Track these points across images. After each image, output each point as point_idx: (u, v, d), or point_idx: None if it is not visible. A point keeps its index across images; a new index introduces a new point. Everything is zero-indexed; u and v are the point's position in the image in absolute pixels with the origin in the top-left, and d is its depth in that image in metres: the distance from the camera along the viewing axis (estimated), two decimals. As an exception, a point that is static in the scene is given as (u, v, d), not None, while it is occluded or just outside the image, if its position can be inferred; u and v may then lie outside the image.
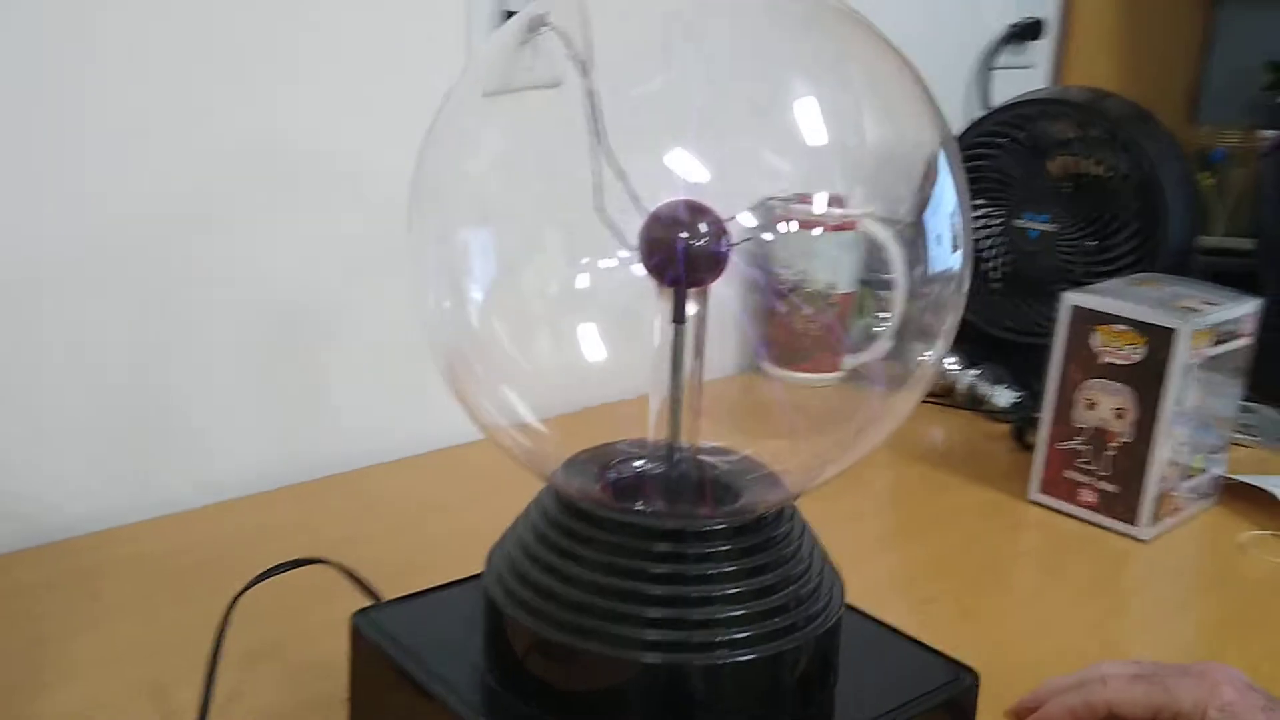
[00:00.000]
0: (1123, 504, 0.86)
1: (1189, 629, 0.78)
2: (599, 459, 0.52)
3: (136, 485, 0.83)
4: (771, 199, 1.26)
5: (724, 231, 0.48)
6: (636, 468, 0.52)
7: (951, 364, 1.15)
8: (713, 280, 0.48)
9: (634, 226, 0.50)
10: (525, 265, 0.55)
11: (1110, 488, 0.87)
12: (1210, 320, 0.84)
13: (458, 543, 0.58)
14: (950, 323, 0.54)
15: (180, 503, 0.84)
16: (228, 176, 0.83)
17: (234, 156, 0.83)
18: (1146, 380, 0.84)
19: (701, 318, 0.49)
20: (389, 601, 0.58)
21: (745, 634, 0.46)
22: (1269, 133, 1.42)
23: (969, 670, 0.52)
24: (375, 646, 0.53)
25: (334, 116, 0.87)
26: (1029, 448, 0.97)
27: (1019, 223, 1.17)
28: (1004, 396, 1.11)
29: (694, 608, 0.46)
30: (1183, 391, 0.83)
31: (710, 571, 0.47)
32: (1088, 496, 0.88)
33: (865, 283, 1.18)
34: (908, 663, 0.52)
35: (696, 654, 0.46)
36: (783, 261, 1.16)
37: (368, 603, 0.60)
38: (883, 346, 1.21)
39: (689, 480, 0.51)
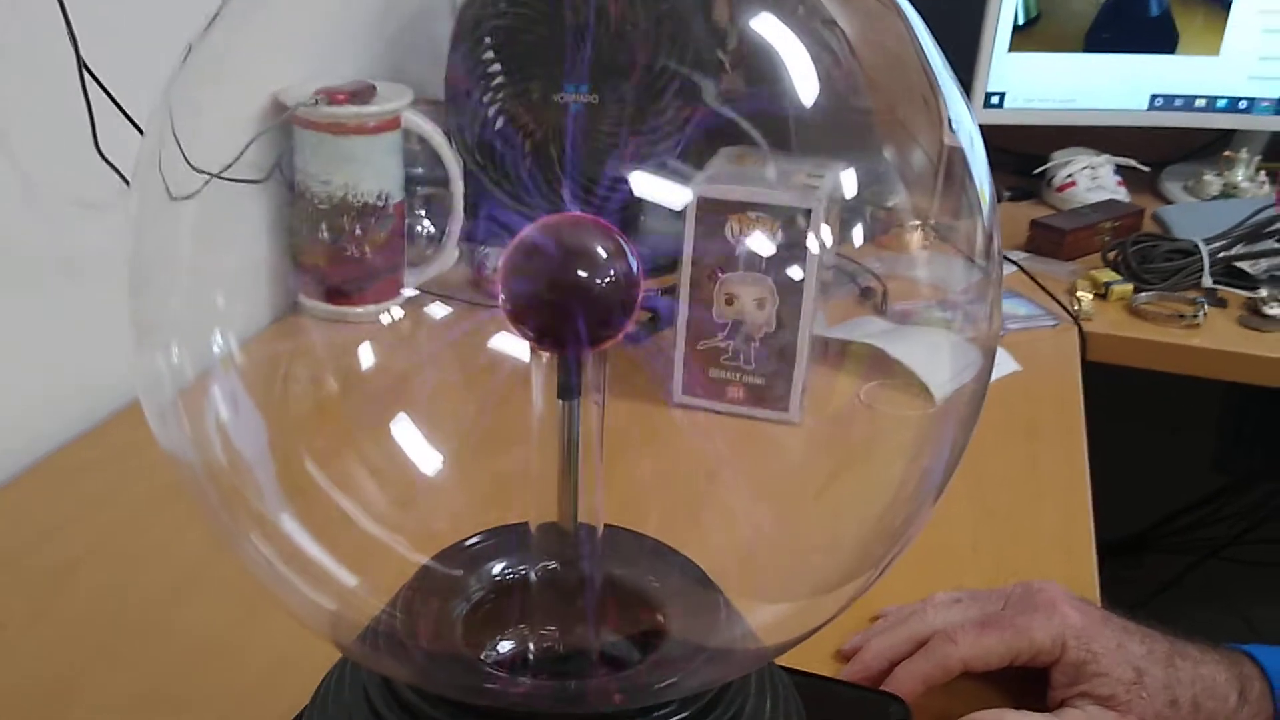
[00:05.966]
0: (772, 394, 0.84)
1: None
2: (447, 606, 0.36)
3: None
4: (303, 104, 1.02)
5: (632, 262, 0.33)
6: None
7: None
8: (621, 334, 0.34)
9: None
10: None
11: (758, 380, 0.84)
12: (835, 195, 0.82)
13: None
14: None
15: None
16: None
17: None
18: (785, 265, 0.80)
19: (601, 388, 0.35)
20: None
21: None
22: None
23: (898, 700, 0.45)
24: None
25: None
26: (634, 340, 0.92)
27: (559, 96, 1.07)
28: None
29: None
30: (822, 271, 0.81)
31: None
32: (735, 393, 0.85)
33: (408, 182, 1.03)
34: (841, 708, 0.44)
35: None
36: (317, 175, 0.96)
37: None
38: (450, 256, 1.07)
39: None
